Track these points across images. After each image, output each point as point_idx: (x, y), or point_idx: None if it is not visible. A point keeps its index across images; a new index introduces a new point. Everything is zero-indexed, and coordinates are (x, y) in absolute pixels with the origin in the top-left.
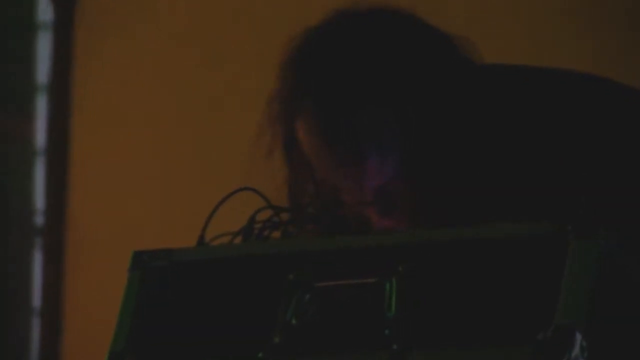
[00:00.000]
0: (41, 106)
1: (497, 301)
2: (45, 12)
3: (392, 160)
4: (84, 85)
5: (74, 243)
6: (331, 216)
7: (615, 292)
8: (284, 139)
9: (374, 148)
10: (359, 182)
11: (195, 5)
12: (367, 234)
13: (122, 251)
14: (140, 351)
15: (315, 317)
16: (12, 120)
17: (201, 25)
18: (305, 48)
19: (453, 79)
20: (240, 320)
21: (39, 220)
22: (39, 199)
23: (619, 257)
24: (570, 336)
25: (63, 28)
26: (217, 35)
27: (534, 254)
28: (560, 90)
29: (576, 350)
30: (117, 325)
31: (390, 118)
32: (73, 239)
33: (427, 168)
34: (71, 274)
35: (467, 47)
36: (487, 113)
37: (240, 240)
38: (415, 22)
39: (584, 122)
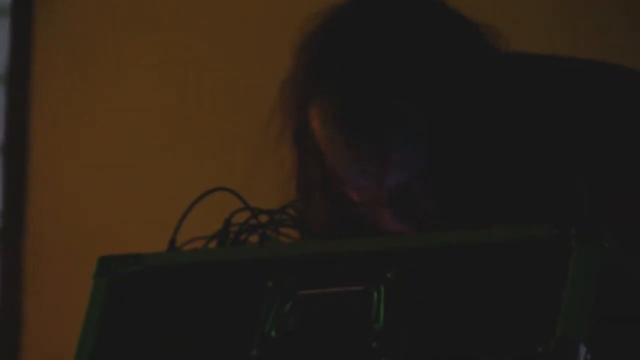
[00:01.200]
0: None
1: (494, 310)
2: None
3: (417, 157)
4: (45, 76)
5: (33, 248)
6: (335, 213)
7: (616, 294)
8: (295, 126)
9: (398, 142)
10: (377, 179)
11: None
12: (354, 238)
13: (86, 256)
14: None
15: (297, 328)
16: None
17: (169, 10)
18: (326, 30)
19: (483, 71)
20: (215, 332)
21: None
22: None
23: (620, 259)
24: (574, 348)
25: (22, 12)
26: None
27: (533, 258)
28: (588, 81)
29: None
30: (81, 337)
31: (416, 111)
32: (32, 244)
33: (454, 168)
34: (30, 281)
35: (494, 36)
36: (514, 106)
37: (215, 245)
38: (444, 9)
39: (610, 116)
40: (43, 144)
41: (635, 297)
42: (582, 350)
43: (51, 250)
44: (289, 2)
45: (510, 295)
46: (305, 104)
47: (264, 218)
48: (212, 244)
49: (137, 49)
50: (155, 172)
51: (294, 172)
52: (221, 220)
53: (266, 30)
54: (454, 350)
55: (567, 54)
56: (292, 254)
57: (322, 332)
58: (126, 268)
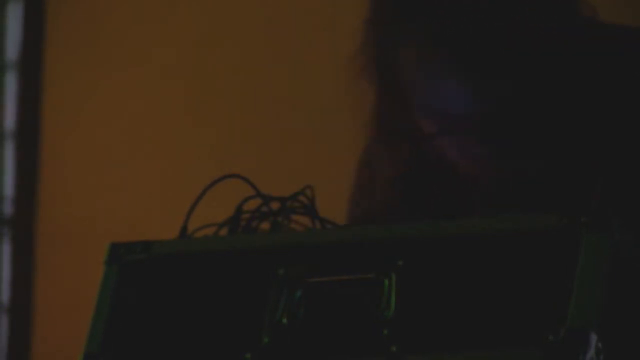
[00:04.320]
0: (10, 84)
1: (504, 299)
2: None
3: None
4: (56, 63)
5: (45, 234)
6: (413, 153)
7: (627, 284)
8: (381, 62)
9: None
10: (464, 107)
11: None
12: (365, 226)
13: (97, 243)
14: (117, 352)
15: (308, 316)
16: None
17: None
18: None
19: (582, 39)
20: (226, 318)
21: (8, 208)
22: (8, 186)
23: (630, 249)
24: (585, 337)
25: None
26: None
27: (544, 248)
28: None
29: (591, 353)
30: (92, 324)
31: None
32: (44, 230)
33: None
34: (42, 267)
35: (587, 7)
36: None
37: (226, 232)
38: None
39: None
40: (54, 131)
41: None
42: (593, 338)
43: (62, 236)
44: None
45: (520, 285)
46: (396, 42)
47: (275, 205)
48: (223, 231)
49: (149, 34)
50: (167, 159)
51: (374, 111)
52: (232, 207)
53: (277, 16)
54: (464, 339)
55: None
56: (303, 241)
57: (333, 320)
58: (137, 255)
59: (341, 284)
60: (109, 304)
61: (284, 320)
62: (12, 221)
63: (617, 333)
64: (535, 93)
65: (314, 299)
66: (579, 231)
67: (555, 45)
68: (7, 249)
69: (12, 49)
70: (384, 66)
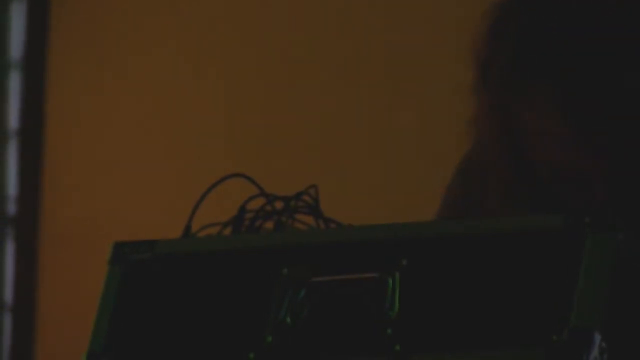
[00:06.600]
0: (14, 84)
1: (508, 299)
2: None
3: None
4: (60, 62)
5: (48, 233)
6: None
7: (631, 284)
8: (498, 118)
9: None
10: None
11: None
12: (369, 225)
13: (100, 242)
14: (121, 351)
15: (312, 315)
16: None
17: None
18: (529, 14)
19: None
20: (229, 318)
21: (11, 208)
22: (11, 185)
23: (635, 250)
24: (589, 337)
25: None
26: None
27: (548, 248)
28: None
29: (594, 353)
30: (95, 323)
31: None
32: (47, 229)
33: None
34: (45, 266)
35: None
36: None
37: (230, 232)
38: None
39: None
40: (58, 130)
41: None
42: (597, 339)
43: (65, 235)
44: None
45: (524, 285)
46: (511, 98)
47: (279, 204)
48: (227, 231)
49: (152, 33)
50: (170, 158)
51: (481, 149)
52: (236, 206)
53: (278, 16)
54: (468, 338)
55: None
56: (307, 241)
57: (337, 319)
58: (141, 254)
59: (345, 284)
60: (113, 304)
61: (288, 320)
62: (15, 220)
63: (617, 333)
64: None
65: (317, 299)
66: (583, 231)
67: None
68: (10, 248)
69: (16, 48)
70: (501, 117)
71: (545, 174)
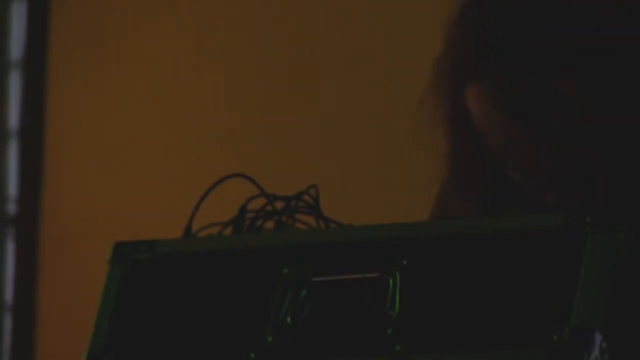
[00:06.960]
0: (14, 84)
1: (508, 299)
2: None
3: (580, 146)
4: (61, 61)
5: (48, 233)
6: (492, 192)
7: (631, 284)
8: (450, 107)
9: (566, 124)
10: (540, 158)
11: None
12: (370, 225)
13: (100, 242)
14: (121, 351)
15: (312, 315)
16: None
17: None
18: (484, 4)
19: None
20: (230, 318)
21: (11, 208)
22: (12, 185)
23: (635, 249)
24: (589, 337)
25: None
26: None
27: (549, 247)
28: None
29: (595, 353)
30: (96, 323)
31: (591, 90)
32: (48, 229)
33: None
34: (45, 266)
35: None
36: None
37: (231, 232)
38: None
39: None
40: (58, 130)
41: None
42: (598, 338)
43: (66, 235)
44: None
45: (524, 284)
46: (462, 83)
47: (279, 204)
48: (228, 231)
49: (153, 33)
50: (171, 158)
51: (448, 154)
52: (236, 206)
53: (279, 15)
54: (468, 338)
55: None
56: (308, 241)
57: (337, 319)
58: (141, 254)
59: (345, 284)
60: (113, 303)
61: (288, 320)
62: (15, 220)
63: (618, 333)
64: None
65: (318, 299)
66: (583, 231)
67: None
68: (10, 248)
69: (16, 48)
70: (458, 109)
71: (517, 180)
